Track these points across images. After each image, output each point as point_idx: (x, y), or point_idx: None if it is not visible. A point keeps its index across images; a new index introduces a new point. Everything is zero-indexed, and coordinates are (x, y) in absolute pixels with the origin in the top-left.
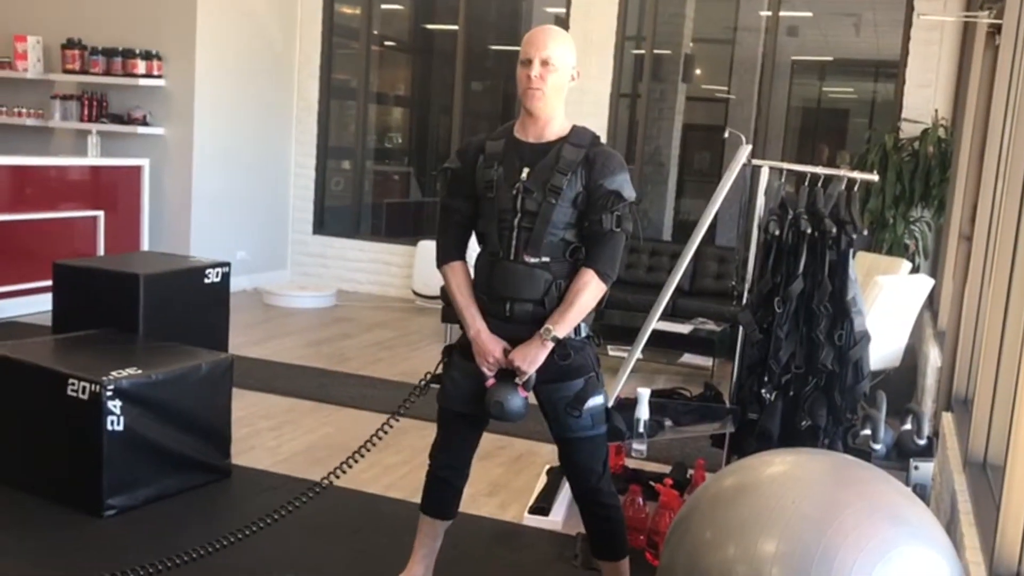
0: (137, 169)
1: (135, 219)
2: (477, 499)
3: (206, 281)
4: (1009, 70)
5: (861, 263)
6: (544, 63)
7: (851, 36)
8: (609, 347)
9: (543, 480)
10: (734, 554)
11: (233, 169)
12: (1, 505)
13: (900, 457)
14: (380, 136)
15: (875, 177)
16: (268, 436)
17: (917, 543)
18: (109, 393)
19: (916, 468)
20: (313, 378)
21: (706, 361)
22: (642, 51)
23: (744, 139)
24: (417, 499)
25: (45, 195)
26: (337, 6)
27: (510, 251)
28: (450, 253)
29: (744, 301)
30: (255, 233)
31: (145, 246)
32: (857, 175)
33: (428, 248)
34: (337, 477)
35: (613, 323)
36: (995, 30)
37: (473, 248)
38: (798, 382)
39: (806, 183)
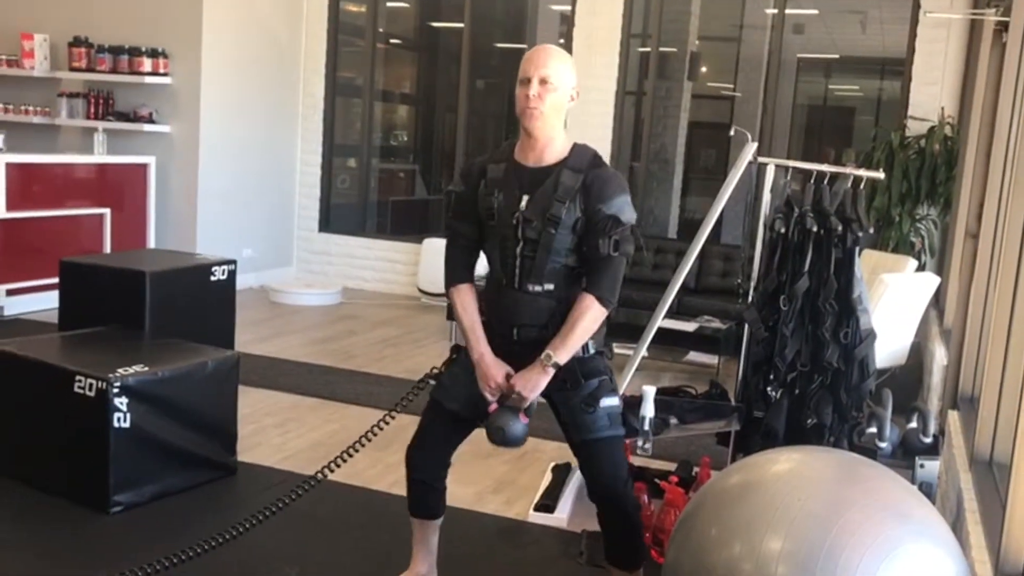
0: (143, 167)
1: (141, 217)
2: (483, 496)
3: (212, 278)
4: (1016, 67)
5: (867, 261)
6: (543, 82)
7: (857, 33)
8: (614, 345)
9: (548, 477)
10: (740, 552)
11: (239, 167)
12: (8, 501)
13: (906, 455)
14: (386, 134)
15: (881, 175)
16: (274, 433)
17: (923, 541)
18: (116, 390)
19: (922, 466)
20: (319, 375)
21: (711, 359)
22: (648, 49)
23: (750, 137)
24: None
25: (52, 193)
26: (343, 4)
27: (514, 279)
28: (457, 276)
29: (750, 299)
30: (261, 230)
31: (151, 243)
32: (863, 173)
33: (434, 245)
34: (331, 471)
35: (618, 321)
36: (1002, 27)
37: (483, 261)
38: (803, 380)
39: (812, 181)
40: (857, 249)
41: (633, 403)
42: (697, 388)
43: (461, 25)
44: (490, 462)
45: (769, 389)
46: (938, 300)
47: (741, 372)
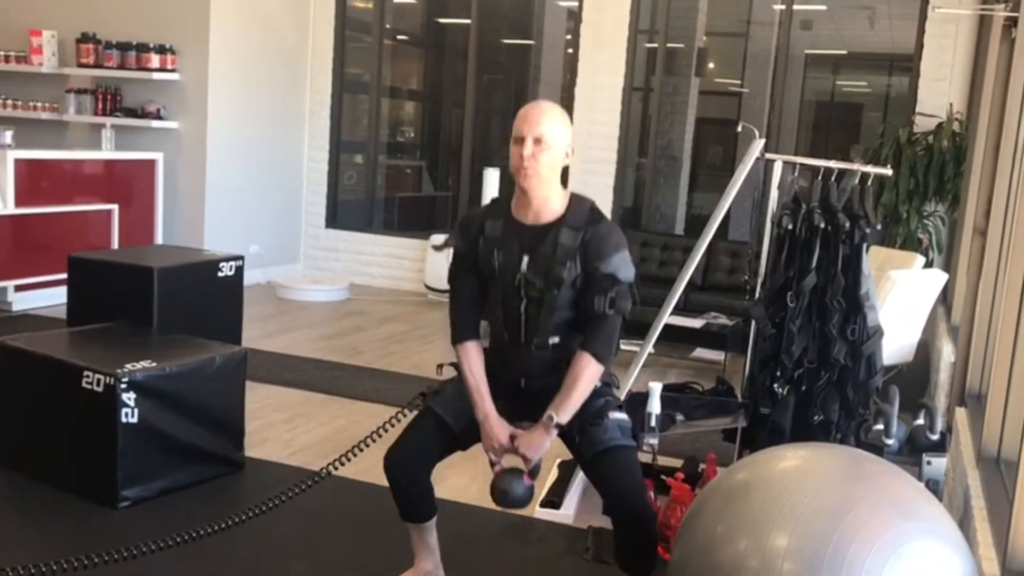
0: (151, 163)
1: (149, 212)
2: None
3: (220, 274)
4: None
5: (874, 257)
6: (537, 141)
7: (865, 29)
8: (621, 341)
9: (554, 474)
10: (746, 548)
11: (246, 163)
12: (16, 496)
13: (913, 452)
14: (392, 130)
15: (889, 171)
16: (281, 429)
17: (929, 538)
18: (123, 385)
19: (929, 463)
20: (326, 371)
21: (718, 355)
22: (655, 45)
23: (757, 133)
24: None
25: (60, 189)
26: (349, 0)
27: (519, 337)
28: (462, 332)
29: (757, 296)
30: (268, 227)
31: (159, 239)
32: (871, 169)
33: (440, 242)
34: (336, 468)
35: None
36: (1011, 23)
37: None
38: (810, 377)
39: (819, 177)
40: (864, 245)
41: (639, 399)
42: (704, 384)
43: (468, 21)
44: None
45: (776, 386)
46: (946, 297)
47: (748, 368)
